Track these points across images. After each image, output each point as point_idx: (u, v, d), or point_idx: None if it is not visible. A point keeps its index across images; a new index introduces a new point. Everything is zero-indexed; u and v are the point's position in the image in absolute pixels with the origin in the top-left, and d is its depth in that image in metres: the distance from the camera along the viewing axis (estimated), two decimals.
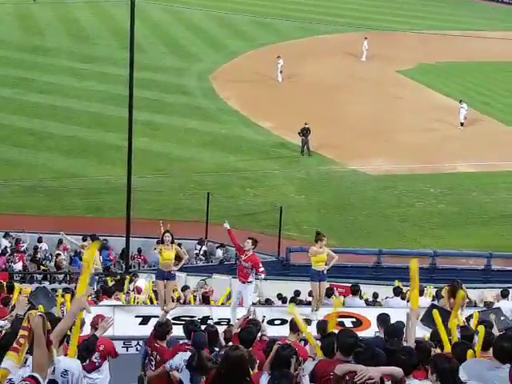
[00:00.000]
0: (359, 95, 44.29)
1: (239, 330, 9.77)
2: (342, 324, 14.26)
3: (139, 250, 25.90)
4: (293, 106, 41.52)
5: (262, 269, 14.21)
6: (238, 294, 14.49)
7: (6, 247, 25.42)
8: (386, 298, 18.38)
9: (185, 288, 19.14)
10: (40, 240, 25.86)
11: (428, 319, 13.32)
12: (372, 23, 61.19)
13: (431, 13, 70.26)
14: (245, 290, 14.29)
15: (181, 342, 10.00)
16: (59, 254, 24.67)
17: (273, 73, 46.64)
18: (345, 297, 19.42)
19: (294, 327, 9.54)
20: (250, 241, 14.20)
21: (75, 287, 21.21)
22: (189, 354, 8.96)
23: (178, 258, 14.75)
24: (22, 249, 25.44)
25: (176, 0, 63.54)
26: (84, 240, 22.40)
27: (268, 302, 18.87)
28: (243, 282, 14.22)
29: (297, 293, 19.73)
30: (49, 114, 38.38)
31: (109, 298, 16.28)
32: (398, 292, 16.85)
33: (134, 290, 19.15)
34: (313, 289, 15.12)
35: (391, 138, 37.84)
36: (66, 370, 6.84)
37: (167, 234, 14.41)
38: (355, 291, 16.72)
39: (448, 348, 8.20)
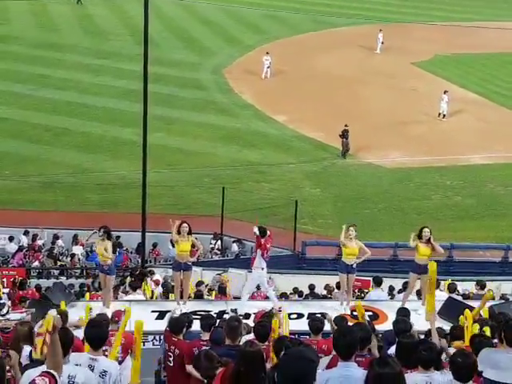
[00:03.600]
0: (374, 88, 44.07)
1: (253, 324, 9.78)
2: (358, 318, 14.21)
3: (154, 245, 25.91)
4: (307, 99, 41.42)
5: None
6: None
7: (22, 244, 25.60)
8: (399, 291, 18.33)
9: (200, 283, 19.14)
10: (56, 237, 26.00)
11: (446, 312, 13.27)
12: (387, 15, 60.94)
13: (447, 4, 69.76)
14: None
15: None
16: (74, 254, 24.76)
17: (285, 66, 46.56)
18: (360, 290, 19.38)
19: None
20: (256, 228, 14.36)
21: (92, 283, 21.37)
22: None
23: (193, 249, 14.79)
24: (40, 243, 25.61)
25: None
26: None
27: (284, 296, 18.84)
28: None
29: (311, 287, 19.68)
30: (64, 109, 38.52)
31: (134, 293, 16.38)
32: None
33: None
34: (341, 281, 14.92)
35: (406, 131, 37.64)
36: (104, 371, 6.90)
37: (184, 225, 14.31)
38: (379, 283, 16.67)
39: (467, 341, 8.17)
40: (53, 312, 5.86)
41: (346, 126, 34.11)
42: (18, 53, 47.54)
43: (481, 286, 16.90)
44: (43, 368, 5.79)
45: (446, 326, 9.40)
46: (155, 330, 13.38)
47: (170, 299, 17.04)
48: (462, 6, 69.36)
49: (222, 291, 17.78)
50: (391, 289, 19.44)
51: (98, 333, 7.01)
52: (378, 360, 5.83)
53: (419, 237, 14.39)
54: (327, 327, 10.20)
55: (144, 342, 13.39)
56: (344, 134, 34.08)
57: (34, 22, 55.86)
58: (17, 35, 51.64)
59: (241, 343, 8.31)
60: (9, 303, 14.62)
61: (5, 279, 20.20)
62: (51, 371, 5.60)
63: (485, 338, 7.98)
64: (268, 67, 45.50)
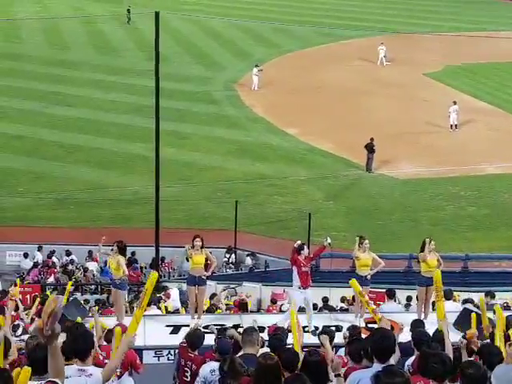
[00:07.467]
0: (385, 99, 44.05)
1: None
2: (372, 329, 14.14)
3: (162, 259, 25.56)
4: (318, 111, 41.47)
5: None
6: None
7: (37, 260, 25.68)
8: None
9: (213, 296, 19.10)
10: (69, 253, 26.03)
11: (461, 323, 13.14)
12: (397, 26, 61.00)
13: (457, 14, 69.83)
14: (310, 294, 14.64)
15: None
16: (87, 269, 24.78)
17: (295, 79, 46.63)
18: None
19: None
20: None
21: (107, 298, 21.33)
22: (213, 363, 8.90)
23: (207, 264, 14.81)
24: (53, 260, 25.66)
25: (199, 10, 64.05)
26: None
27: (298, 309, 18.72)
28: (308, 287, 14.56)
29: (325, 299, 19.58)
30: (77, 126, 38.74)
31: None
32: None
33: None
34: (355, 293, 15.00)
35: (419, 141, 37.53)
36: (90, 374, 6.80)
37: (197, 239, 14.37)
38: (391, 295, 16.59)
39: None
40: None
41: (372, 140, 33.61)
42: (31, 71, 47.96)
43: (490, 296, 16.76)
44: (47, 377, 5.79)
45: (459, 336, 9.29)
46: (170, 345, 13.38)
47: (185, 314, 17.03)
48: (472, 16, 69.33)
49: (243, 307, 17.60)
50: (408, 299, 19.33)
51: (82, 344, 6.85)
52: (384, 370, 5.80)
53: (422, 250, 14.52)
54: (338, 339, 10.14)
55: (159, 357, 13.40)
56: (369, 149, 33.62)
57: (46, 39, 56.38)
58: (29, 53, 52.13)
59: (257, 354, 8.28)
60: (23, 324, 14.55)
61: (20, 295, 20.18)
62: (55, 380, 5.60)
63: (494, 348, 7.82)
64: (258, 78, 45.56)
